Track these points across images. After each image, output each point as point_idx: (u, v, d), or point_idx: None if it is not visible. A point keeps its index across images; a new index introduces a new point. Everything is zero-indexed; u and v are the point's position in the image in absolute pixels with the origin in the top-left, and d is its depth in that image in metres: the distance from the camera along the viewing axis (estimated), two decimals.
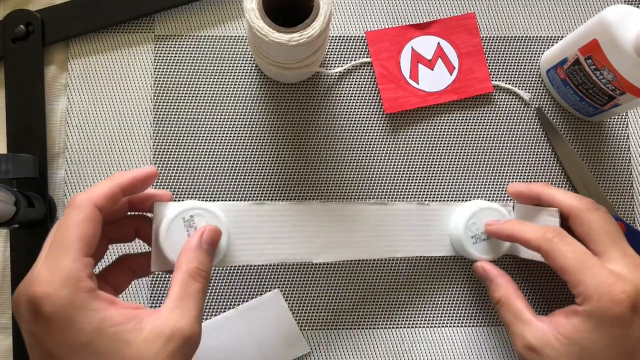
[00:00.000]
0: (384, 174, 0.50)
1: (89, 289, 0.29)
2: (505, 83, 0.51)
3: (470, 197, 0.50)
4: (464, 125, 0.51)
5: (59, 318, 0.27)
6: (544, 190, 0.42)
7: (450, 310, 0.48)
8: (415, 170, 0.50)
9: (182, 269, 0.32)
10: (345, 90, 0.50)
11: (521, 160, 0.50)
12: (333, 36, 0.51)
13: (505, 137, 0.51)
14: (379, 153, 0.50)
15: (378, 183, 0.49)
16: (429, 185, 0.50)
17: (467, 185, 0.50)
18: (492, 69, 0.51)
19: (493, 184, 0.50)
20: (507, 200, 0.49)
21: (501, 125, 0.51)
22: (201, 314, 0.32)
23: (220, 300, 0.47)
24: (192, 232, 0.37)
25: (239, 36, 0.50)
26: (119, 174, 0.34)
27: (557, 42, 0.51)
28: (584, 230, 0.39)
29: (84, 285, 0.28)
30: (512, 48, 0.52)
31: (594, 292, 0.34)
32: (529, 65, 0.52)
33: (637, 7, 0.41)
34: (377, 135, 0.50)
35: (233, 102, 0.50)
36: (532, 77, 0.52)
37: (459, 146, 0.50)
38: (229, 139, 0.49)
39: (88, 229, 0.30)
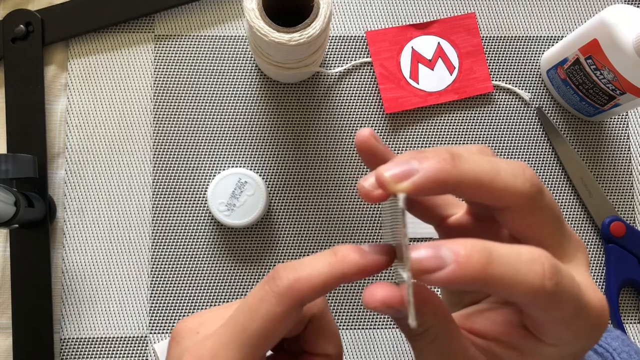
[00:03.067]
0: None
1: None
2: (506, 83, 0.51)
3: None
4: (464, 125, 0.51)
5: None
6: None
7: None
8: None
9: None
10: (345, 90, 0.50)
11: (521, 160, 0.50)
12: (333, 36, 0.51)
13: (505, 137, 0.51)
14: None
15: None
16: None
17: None
18: (492, 68, 0.51)
19: None
20: None
21: (501, 125, 0.51)
22: None
23: (222, 301, 0.47)
24: (238, 193, 0.44)
25: (239, 36, 0.50)
26: (348, 254, 0.22)
27: (557, 42, 0.51)
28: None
29: None
30: (512, 48, 0.52)
31: None
32: (529, 65, 0.52)
33: (637, 7, 0.41)
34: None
35: (233, 102, 0.50)
36: (533, 77, 0.52)
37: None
38: (229, 139, 0.49)
39: (278, 329, 0.22)
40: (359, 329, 0.48)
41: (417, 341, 0.21)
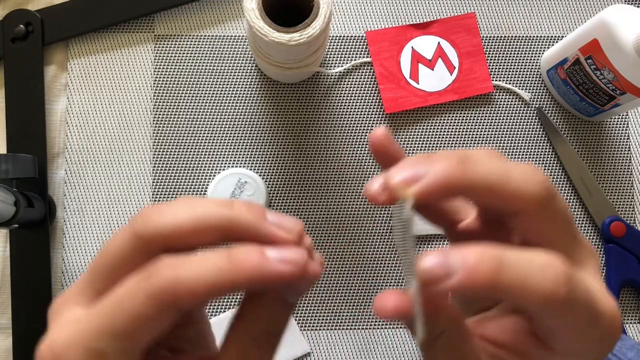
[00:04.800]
0: None
1: None
2: (506, 83, 0.51)
3: None
4: (464, 125, 0.51)
5: None
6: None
7: None
8: None
9: (246, 331, 0.20)
10: (345, 90, 0.50)
11: (521, 160, 0.50)
12: (333, 36, 0.51)
13: (505, 137, 0.51)
14: None
15: None
16: None
17: None
18: (492, 68, 0.51)
19: None
20: None
21: (501, 125, 0.51)
22: None
23: (221, 300, 0.47)
24: (238, 193, 0.45)
25: (239, 36, 0.50)
26: (244, 260, 0.19)
27: (557, 42, 0.51)
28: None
29: None
30: (512, 48, 0.52)
31: None
32: (529, 65, 0.52)
33: (637, 7, 0.41)
34: None
35: (233, 102, 0.50)
36: (533, 77, 0.52)
37: (459, 146, 0.50)
38: (229, 139, 0.49)
39: (146, 330, 0.19)
40: (359, 329, 0.48)
41: (430, 345, 0.21)
